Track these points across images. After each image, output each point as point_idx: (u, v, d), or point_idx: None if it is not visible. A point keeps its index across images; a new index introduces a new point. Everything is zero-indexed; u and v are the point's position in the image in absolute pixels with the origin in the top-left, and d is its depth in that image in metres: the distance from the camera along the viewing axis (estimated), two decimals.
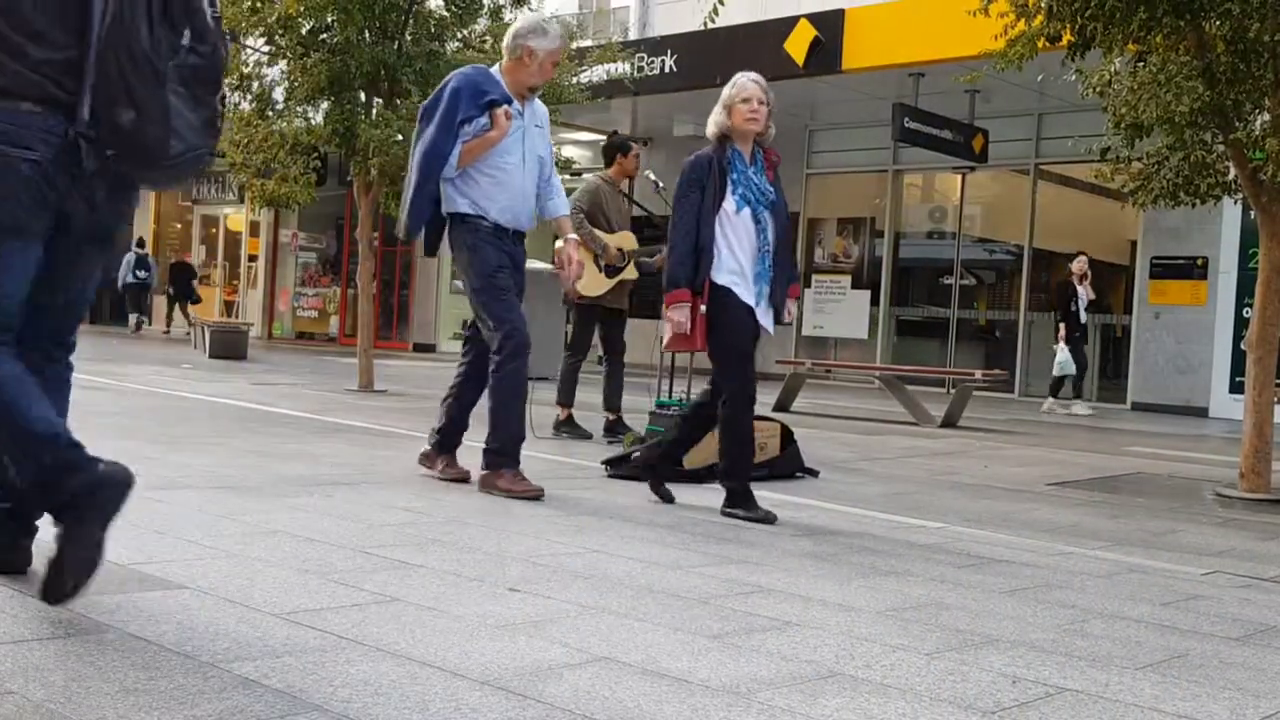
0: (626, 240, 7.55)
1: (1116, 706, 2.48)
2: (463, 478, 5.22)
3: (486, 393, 5.02)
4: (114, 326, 25.86)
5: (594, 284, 7.36)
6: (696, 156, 4.79)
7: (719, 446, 4.80)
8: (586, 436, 7.46)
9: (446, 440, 5.33)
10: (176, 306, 24.96)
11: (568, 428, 7.52)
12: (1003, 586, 3.68)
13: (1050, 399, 13.69)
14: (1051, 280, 15.98)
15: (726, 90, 4.80)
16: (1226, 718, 2.46)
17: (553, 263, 6.92)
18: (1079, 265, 13.64)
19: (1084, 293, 13.53)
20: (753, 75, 4.83)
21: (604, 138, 20.57)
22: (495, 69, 5.21)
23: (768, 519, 4.62)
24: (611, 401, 7.59)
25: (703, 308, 4.68)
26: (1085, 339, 13.91)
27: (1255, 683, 2.73)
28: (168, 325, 24.99)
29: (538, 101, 5.30)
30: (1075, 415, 13.05)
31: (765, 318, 4.80)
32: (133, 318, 24.10)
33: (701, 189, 4.71)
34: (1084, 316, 13.61)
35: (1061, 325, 13.45)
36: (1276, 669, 2.86)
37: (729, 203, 4.71)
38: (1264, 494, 6.23)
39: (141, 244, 25.36)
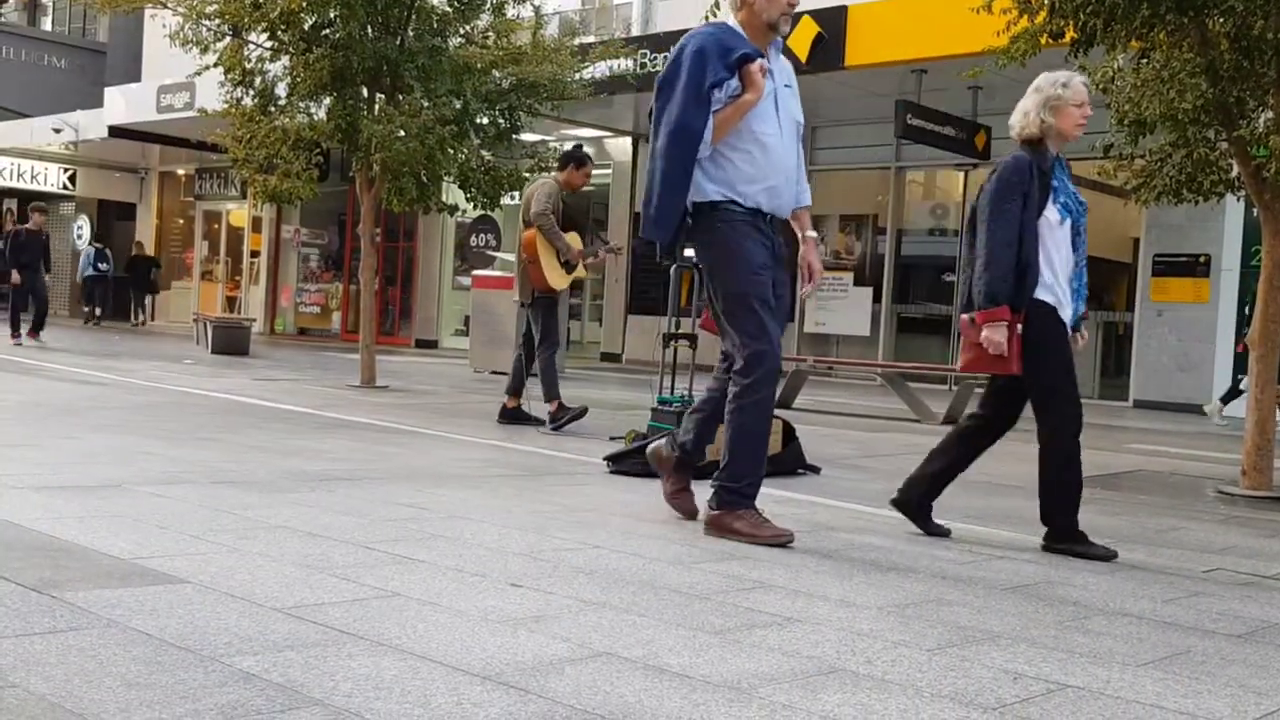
0: (576, 242, 8.04)
1: (1118, 703, 2.48)
2: (689, 513, 4.45)
3: (725, 419, 4.21)
4: (74, 320, 26.39)
5: (559, 279, 7.88)
6: (1016, 159, 4.24)
7: (1042, 480, 4.30)
8: (582, 412, 7.80)
9: (685, 458, 4.50)
10: (147, 298, 25.87)
11: (561, 414, 7.80)
12: (1004, 583, 3.68)
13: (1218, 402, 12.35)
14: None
15: (1052, 88, 4.26)
16: (1228, 715, 2.45)
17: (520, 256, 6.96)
18: None
19: None
20: (1081, 76, 4.37)
21: (607, 134, 20.47)
22: (732, 22, 4.27)
23: (1106, 555, 4.17)
24: (515, 387, 8.06)
25: (1019, 328, 4.18)
26: None
27: (1257, 680, 2.73)
28: (150, 317, 25.44)
29: (784, 59, 4.40)
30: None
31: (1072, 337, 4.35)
32: (99, 311, 25.04)
33: (1024, 196, 4.17)
34: None
35: None
36: (1278, 666, 2.86)
37: (1051, 212, 4.23)
38: (1266, 491, 6.23)
39: (100, 239, 26.01)
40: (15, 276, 15.75)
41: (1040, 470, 4.33)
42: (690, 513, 4.45)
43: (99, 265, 25.22)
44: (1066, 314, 4.29)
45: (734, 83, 4.10)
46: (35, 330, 15.67)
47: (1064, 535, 4.28)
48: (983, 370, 4.29)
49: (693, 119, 4.08)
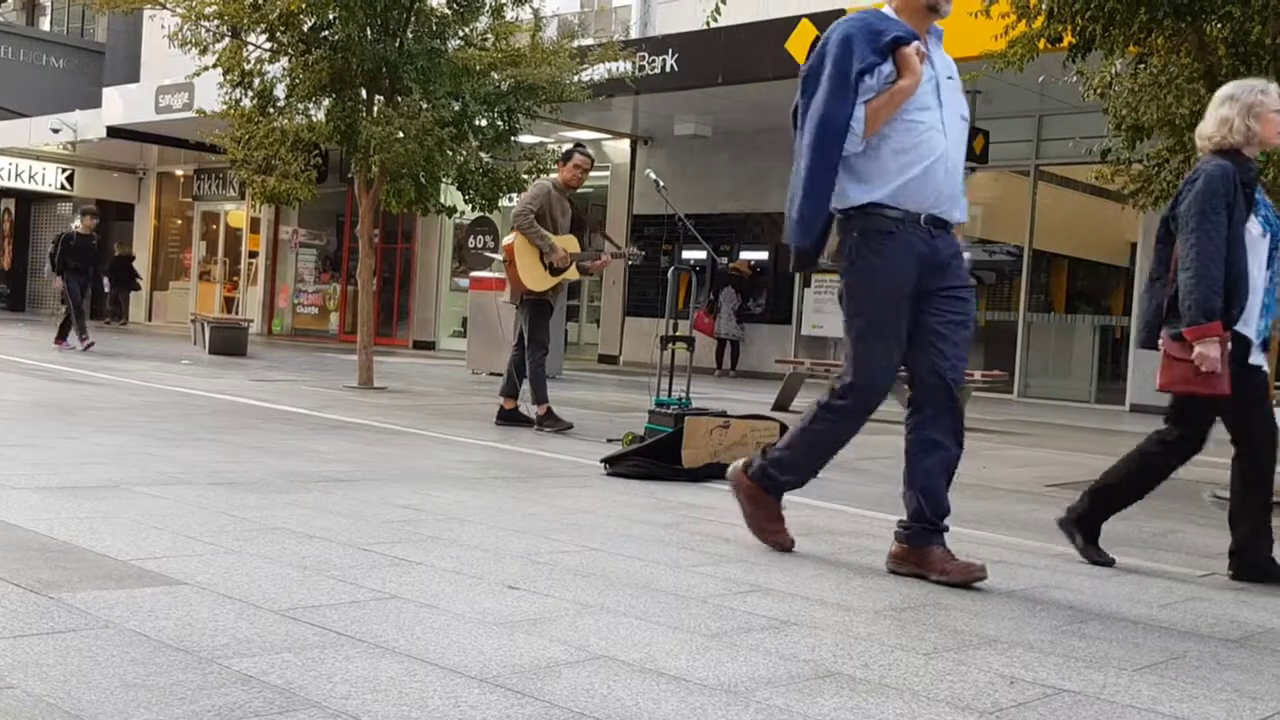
0: (570, 244, 7.95)
1: (1114, 708, 2.48)
2: (976, 576, 3.65)
3: (805, 415, 3.94)
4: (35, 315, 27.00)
5: (539, 280, 7.80)
6: (1221, 167, 3.95)
7: (1116, 468, 4.30)
8: (568, 426, 7.74)
9: (920, 526, 3.76)
10: (119, 297, 26.23)
11: (549, 422, 7.78)
12: (1000, 587, 3.68)
13: None
14: (1051, 281, 16.02)
15: (1251, 95, 4.03)
16: (1223, 719, 2.46)
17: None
18: None
19: None
20: (1276, 86, 4.10)
21: (606, 136, 20.43)
22: (887, 9, 3.87)
23: (1105, 560, 4.17)
24: (511, 387, 8.03)
25: (1228, 345, 3.95)
26: None
27: (1252, 684, 2.73)
28: (147, 315, 26.31)
29: (943, 50, 3.92)
30: None
31: (1259, 355, 4.10)
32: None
33: (1229, 207, 3.92)
34: None
35: None
36: (1273, 671, 2.87)
37: (1254, 225, 4.00)
38: None
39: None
40: (58, 282, 15.05)
41: (1124, 460, 4.29)
42: (979, 571, 3.67)
43: None
44: (1249, 329, 4.07)
45: (887, 68, 3.68)
46: (61, 337, 14.93)
47: (1088, 529, 4.27)
48: (1188, 390, 4.00)
49: (838, 110, 3.64)
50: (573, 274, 8.05)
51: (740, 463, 4.10)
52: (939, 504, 3.74)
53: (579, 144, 8.41)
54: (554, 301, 8.05)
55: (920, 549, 3.72)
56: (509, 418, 8.01)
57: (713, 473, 5.79)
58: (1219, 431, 4.12)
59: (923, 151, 3.70)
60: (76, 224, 15.86)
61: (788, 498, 4.16)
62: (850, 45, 3.69)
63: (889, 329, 3.75)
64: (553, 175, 8.19)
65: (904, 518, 3.80)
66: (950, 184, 3.76)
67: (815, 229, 3.73)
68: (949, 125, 3.76)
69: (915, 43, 3.71)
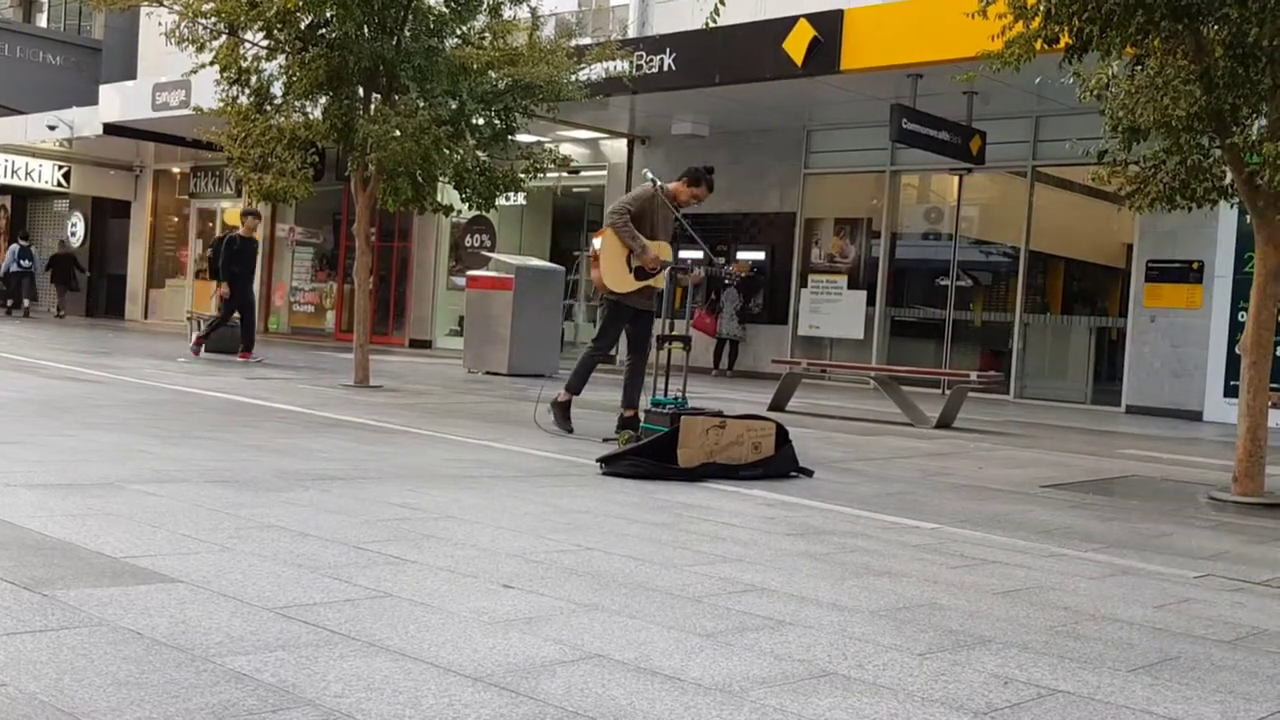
0: (664, 251, 7.65)
1: (1108, 708, 2.48)
2: None
3: None
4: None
5: (621, 281, 7.51)
6: None
7: None
8: (568, 431, 7.60)
9: None
10: (61, 293, 27.74)
11: (557, 412, 7.67)
12: (996, 587, 3.68)
13: None
14: (1047, 282, 16.02)
15: None
16: None
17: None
18: None
19: None
20: None
21: (603, 135, 20.35)
22: None
23: None
24: (630, 397, 7.69)
25: None
26: None
27: (1246, 685, 2.74)
28: (59, 309, 27.48)
29: None
30: None
31: None
32: (25, 303, 26.75)
33: None
34: None
35: None
36: (1268, 672, 2.87)
37: None
38: (1257, 498, 6.24)
39: (26, 236, 28.07)
40: (224, 288, 14.52)
41: None
42: None
43: (22, 262, 27.03)
44: None
45: None
46: (247, 348, 14.41)
47: None
48: None
49: None
50: (659, 282, 7.58)
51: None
52: None
53: (710, 168, 7.98)
54: (641, 305, 7.64)
55: None
56: (626, 424, 7.49)
57: (709, 472, 5.80)
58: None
59: None
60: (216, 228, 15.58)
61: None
62: None
63: None
64: (669, 184, 7.71)
65: None
66: None
67: None
68: None
69: None
